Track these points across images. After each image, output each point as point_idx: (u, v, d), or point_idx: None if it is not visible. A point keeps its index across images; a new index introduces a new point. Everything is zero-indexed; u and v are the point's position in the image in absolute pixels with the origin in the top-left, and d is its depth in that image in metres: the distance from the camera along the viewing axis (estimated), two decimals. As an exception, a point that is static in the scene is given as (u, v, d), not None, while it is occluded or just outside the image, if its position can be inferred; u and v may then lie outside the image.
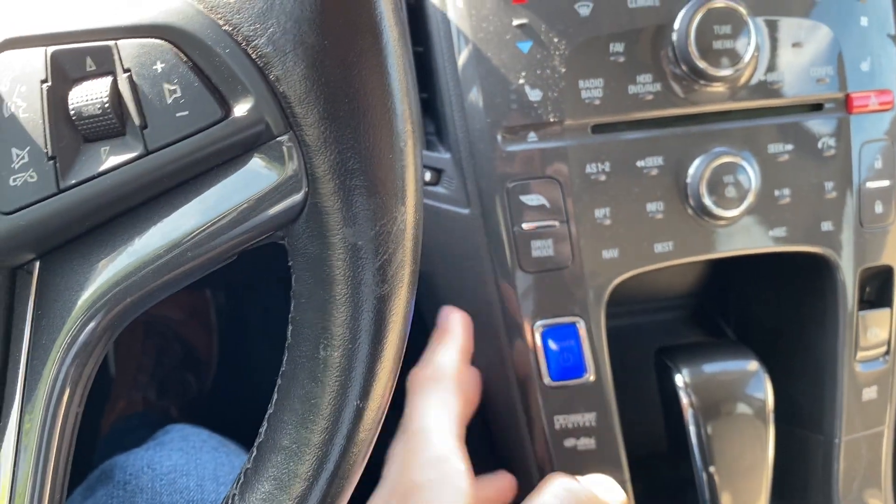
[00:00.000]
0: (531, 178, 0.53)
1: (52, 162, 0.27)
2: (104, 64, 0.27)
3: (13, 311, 0.30)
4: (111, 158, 0.27)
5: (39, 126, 0.27)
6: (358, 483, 0.32)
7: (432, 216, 0.56)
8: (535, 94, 0.52)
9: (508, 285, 0.54)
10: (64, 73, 0.27)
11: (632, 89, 0.53)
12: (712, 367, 0.57)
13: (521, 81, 0.52)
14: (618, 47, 0.52)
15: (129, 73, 0.27)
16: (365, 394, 0.29)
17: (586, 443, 0.55)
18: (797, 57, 0.55)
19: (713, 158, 0.53)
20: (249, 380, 0.95)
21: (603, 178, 0.53)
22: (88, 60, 0.27)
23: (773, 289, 0.63)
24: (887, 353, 0.59)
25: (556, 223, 0.53)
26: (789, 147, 0.55)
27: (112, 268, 0.28)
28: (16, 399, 0.29)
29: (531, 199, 0.53)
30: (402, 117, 0.28)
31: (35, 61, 0.27)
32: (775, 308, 0.64)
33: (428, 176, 0.56)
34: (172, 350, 1.00)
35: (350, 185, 0.27)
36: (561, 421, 0.54)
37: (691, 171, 0.54)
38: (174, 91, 0.27)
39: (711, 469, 0.55)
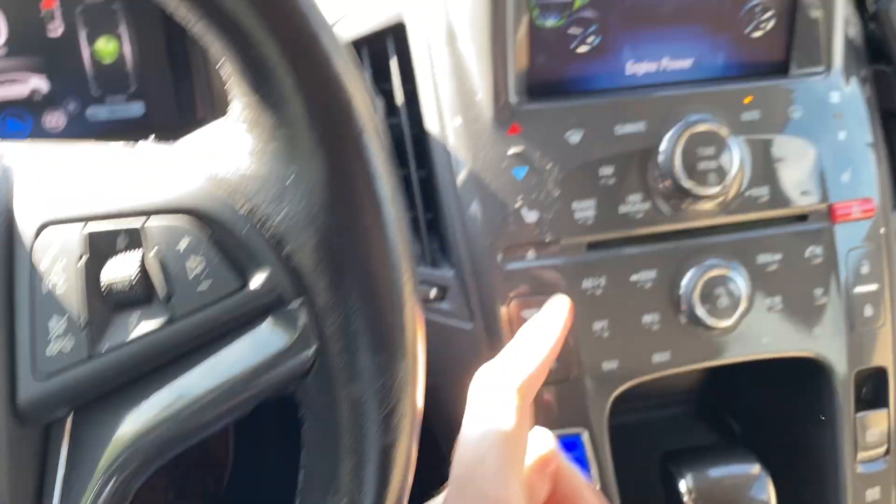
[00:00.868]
0: (531, 295, 0.55)
1: (85, 331, 0.30)
2: (134, 242, 0.31)
3: (46, 463, 0.32)
4: (139, 326, 0.30)
5: (75, 298, 0.30)
6: None
7: (437, 331, 0.58)
8: (531, 216, 0.55)
9: (513, 398, 0.55)
10: (99, 251, 0.31)
11: (622, 209, 0.56)
12: (715, 472, 0.58)
13: (518, 205, 0.55)
14: (607, 170, 0.55)
15: (156, 249, 0.30)
16: None
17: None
18: (780, 172, 0.58)
19: (705, 271, 0.56)
20: (265, 481, 0.97)
21: (599, 292, 0.56)
22: (119, 240, 0.31)
23: (774, 391, 0.65)
24: (887, 452, 0.60)
25: (557, 337, 0.55)
26: (778, 257, 0.58)
27: (138, 422, 0.31)
28: None
29: (532, 315, 0.55)
30: (403, 280, 0.30)
31: (73, 240, 0.31)
32: (777, 409, 0.65)
33: (433, 293, 0.59)
34: (188, 451, 1.01)
35: (356, 344, 0.30)
36: (568, 530, 0.55)
37: (684, 283, 0.56)
38: (197, 265, 0.30)
39: (719, 574, 0.56)
